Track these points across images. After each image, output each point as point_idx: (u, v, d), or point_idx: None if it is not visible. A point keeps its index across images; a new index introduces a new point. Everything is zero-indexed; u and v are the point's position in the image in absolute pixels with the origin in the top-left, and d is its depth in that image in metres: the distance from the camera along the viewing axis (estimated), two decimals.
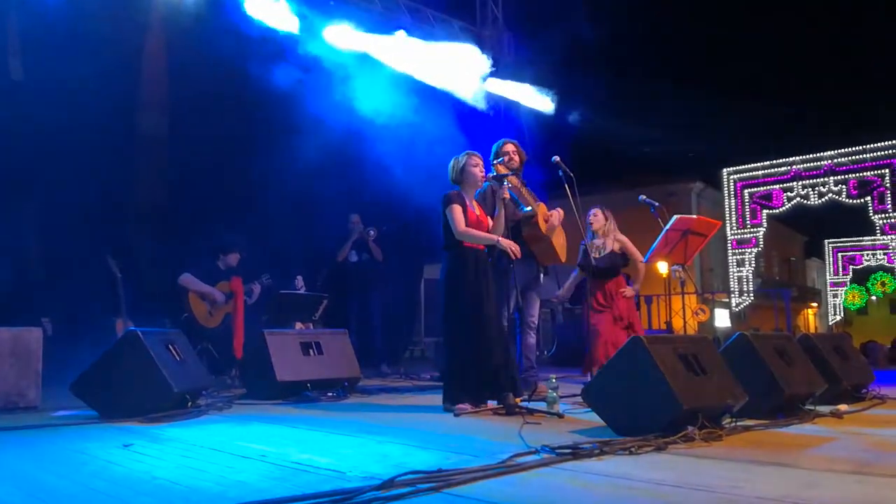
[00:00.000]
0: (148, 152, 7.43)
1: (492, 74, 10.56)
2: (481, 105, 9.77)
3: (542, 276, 5.57)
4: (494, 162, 5.26)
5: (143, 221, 7.38)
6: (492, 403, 4.37)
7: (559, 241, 5.50)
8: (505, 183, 4.61)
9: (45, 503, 2.25)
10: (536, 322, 5.59)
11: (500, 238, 4.54)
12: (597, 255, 5.91)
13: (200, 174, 7.44)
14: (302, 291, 7.48)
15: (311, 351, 5.63)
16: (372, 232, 8.07)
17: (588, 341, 5.74)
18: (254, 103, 7.87)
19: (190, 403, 4.33)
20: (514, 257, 4.50)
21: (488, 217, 4.75)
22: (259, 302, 6.98)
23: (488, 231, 4.64)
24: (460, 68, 9.57)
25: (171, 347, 4.43)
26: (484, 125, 9.96)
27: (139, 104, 7.39)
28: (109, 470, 2.70)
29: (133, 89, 7.32)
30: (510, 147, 5.45)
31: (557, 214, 5.48)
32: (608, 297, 5.87)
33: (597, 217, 6.03)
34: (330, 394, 5.37)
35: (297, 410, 4.66)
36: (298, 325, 7.05)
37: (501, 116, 10.89)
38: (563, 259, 5.59)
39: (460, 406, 4.29)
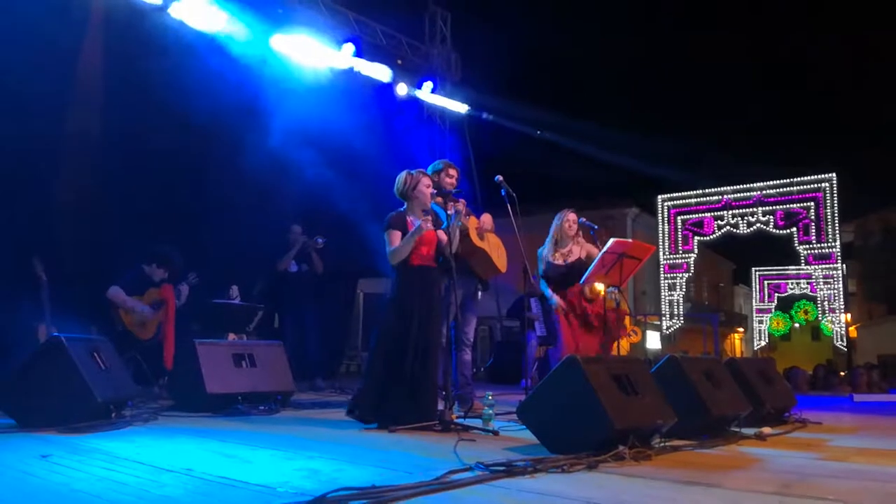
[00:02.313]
0: (77, 154, 7.19)
1: (436, 91, 10.65)
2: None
3: (479, 292, 5.60)
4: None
5: (72, 224, 7.12)
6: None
7: (496, 252, 5.51)
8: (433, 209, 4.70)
9: None
10: (472, 339, 5.61)
11: (421, 223, 4.47)
12: (562, 263, 5.81)
13: (132, 177, 7.21)
14: (236, 301, 7.33)
15: (243, 363, 5.50)
16: (320, 241, 7.94)
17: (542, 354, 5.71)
18: (189, 110, 7.68)
19: (114, 414, 4.19)
20: (452, 210, 4.59)
21: (435, 231, 4.70)
22: (188, 305, 6.79)
23: (441, 243, 4.63)
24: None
25: (95, 355, 4.26)
26: (424, 139, 10.04)
27: (70, 106, 7.16)
28: (25, 481, 2.58)
29: (64, 91, 7.08)
30: (454, 171, 5.51)
31: (486, 218, 5.52)
32: (571, 305, 5.72)
33: (574, 224, 5.90)
34: (262, 407, 5.24)
35: (227, 424, 4.54)
36: (231, 336, 6.90)
37: (446, 132, 11.00)
38: (504, 269, 5.57)
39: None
